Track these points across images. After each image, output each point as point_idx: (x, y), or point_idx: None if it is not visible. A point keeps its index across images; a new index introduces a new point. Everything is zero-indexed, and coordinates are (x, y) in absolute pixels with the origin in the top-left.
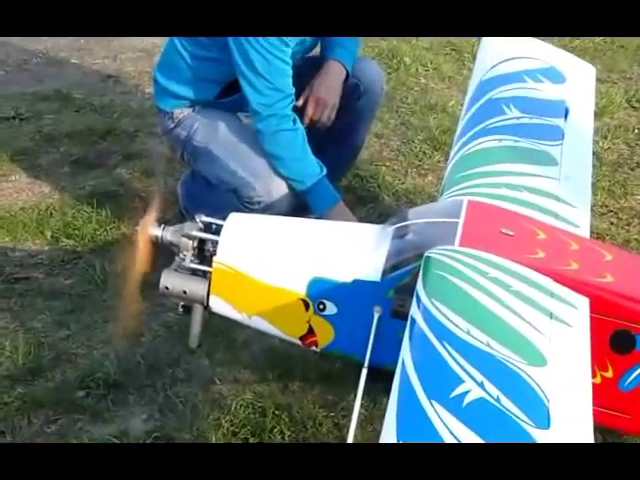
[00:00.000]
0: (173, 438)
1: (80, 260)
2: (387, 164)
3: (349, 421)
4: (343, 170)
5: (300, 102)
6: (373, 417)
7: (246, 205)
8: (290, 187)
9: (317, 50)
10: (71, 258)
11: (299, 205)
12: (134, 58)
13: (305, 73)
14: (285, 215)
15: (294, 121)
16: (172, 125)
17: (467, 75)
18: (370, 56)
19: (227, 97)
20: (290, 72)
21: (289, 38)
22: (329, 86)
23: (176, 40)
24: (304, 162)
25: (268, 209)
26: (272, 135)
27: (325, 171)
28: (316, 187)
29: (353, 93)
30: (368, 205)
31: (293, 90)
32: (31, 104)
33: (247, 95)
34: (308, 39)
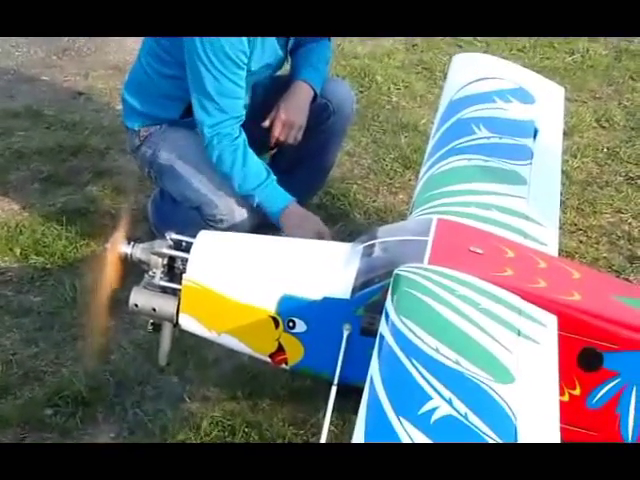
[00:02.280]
0: None
1: (50, 277)
2: (358, 182)
3: (319, 439)
4: (314, 189)
5: (267, 123)
6: (343, 434)
7: (210, 223)
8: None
9: (287, 69)
10: (40, 275)
11: (265, 223)
12: (105, 75)
13: (274, 93)
14: (250, 232)
15: (236, 138)
16: (138, 143)
17: (438, 94)
18: (342, 74)
19: (192, 115)
20: (241, 95)
21: (247, 60)
22: (296, 107)
23: (142, 58)
24: (247, 174)
25: (232, 227)
26: (215, 155)
27: (272, 176)
28: (264, 193)
29: (323, 113)
30: (339, 223)
31: (242, 113)
32: (1, 120)
33: (195, 114)
34: (274, 61)
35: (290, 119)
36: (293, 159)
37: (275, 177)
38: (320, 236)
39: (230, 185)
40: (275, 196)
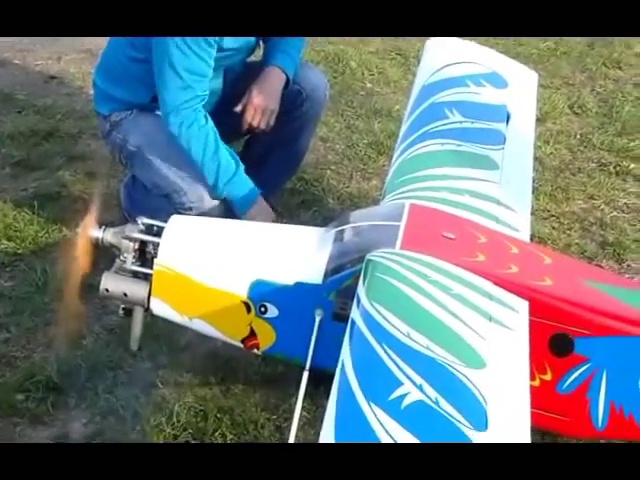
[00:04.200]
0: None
1: (21, 262)
2: (332, 168)
3: (291, 424)
4: (287, 175)
5: (239, 108)
6: (315, 420)
7: (179, 210)
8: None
9: (259, 55)
10: (12, 260)
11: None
12: (78, 59)
13: (246, 79)
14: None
15: (204, 118)
16: (109, 128)
17: (412, 80)
18: (316, 60)
19: None
20: (209, 74)
21: (219, 39)
22: (268, 92)
23: (113, 42)
24: (218, 166)
25: (202, 215)
26: (184, 142)
27: (241, 167)
28: (231, 185)
29: (296, 99)
30: (312, 208)
31: (206, 92)
32: None
33: (158, 90)
34: (245, 45)
35: (262, 104)
36: (266, 146)
37: (243, 167)
38: None
39: (199, 172)
40: (243, 193)
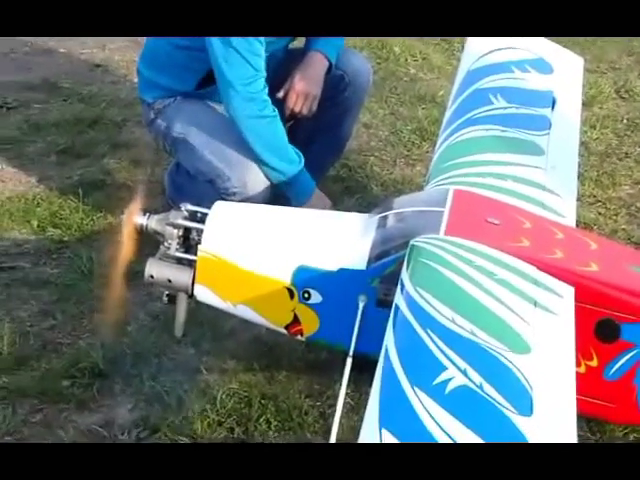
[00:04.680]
0: (159, 428)
1: (67, 250)
2: (375, 154)
3: (334, 410)
4: (330, 161)
5: (281, 94)
6: (359, 406)
7: (223, 196)
8: (266, 177)
9: (301, 42)
10: (57, 248)
11: (277, 194)
12: (122, 47)
13: (288, 65)
14: (264, 203)
15: (274, 107)
16: (153, 116)
17: (456, 65)
18: (359, 46)
19: (206, 87)
20: (263, 54)
21: None
22: (310, 77)
23: None
24: (284, 151)
25: (245, 200)
26: (252, 120)
27: (303, 160)
28: (296, 178)
29: (338, 85)
30: (356, 195)
31: (265, 73)
32: (18, 93)
33: (221, 76)
34: None
35: (305, 89)
36: (309, 132)
37: (303, 160)
38: None
39: (254, 153)
40: (305, 184)
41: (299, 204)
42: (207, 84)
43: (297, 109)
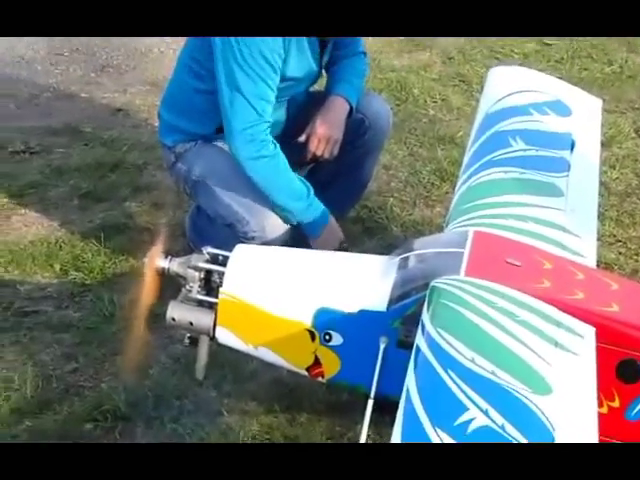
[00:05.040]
0: None
1: (89, 293)
2: (395, 195)
3: None
4: (350, 204)
5: (303, 138)
6: None
7: (242, 240)
8: (284, 220)
9: (322, 84)
10: (80, 291)
11: (297, 237)
12: (143, 91)
13: (309, 108)
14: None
15: (274, 146)
16: (174, 160)
17: (475, 106)
18: (378, 88)
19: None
20: (273, 100)
21: (282, 65)
22: (332, 122)
23: (177, 74)
24: (288, 189)
25: (264, 244)
26: (251, 162)
27: (312, 191)
28: (306, 212)
29: (359, 128)
30: (376, 236)
31: (271, 119)
32: (41, 138)
33: (225, 118)
34: (308, 74)
35: (327, 133)
36: (330, 174)
37: (313, 190)
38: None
39: (266, 197)
40: (316, 217)
41: (314, 236)
42: None
43: (319, 153)
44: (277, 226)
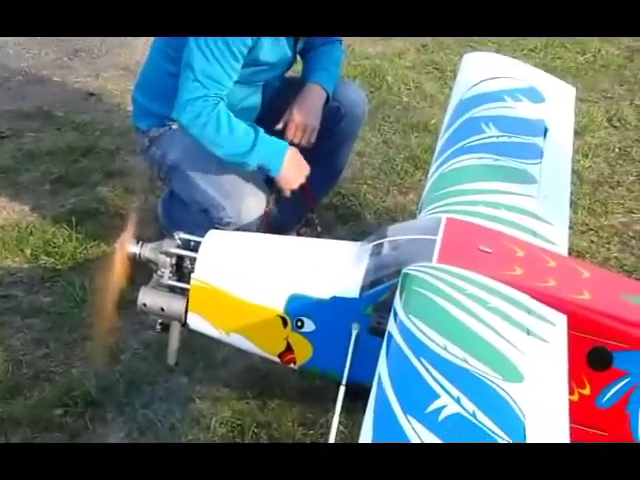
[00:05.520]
0: None
1: (60, 278)
2: (369, 182)
3: (328, 439)
4: (325, 191)
5: (280, 126)
6: (352, 435)
7: (217, 225)
8: (259, 207)
9: (298, 70)
10: (51, 276)
11: (271, 224)
12: (116, 76)
13: (286, 95)
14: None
15: (215, 105)
16: (148, 144)
17: (449, 94)
18: (353, 75)
19: None
20: (227, 84)
21: (248, 53)
22: (309, 110)
23: (152, 58)
24: (236, 138)
25: (239, 230)
26: (193, 127)
27: (260, 130)
28: (258, 150)
29: (335, 116)
30: (349, 223)
31: (222, 97)
32: (12, 122)
33: (178, 96)
34: (282, 60)
35: (304, 122)
36: (306, 161)
37: (262, 130)
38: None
39: (220, 155)
40: (272, 151)
41: (276, 173)
42: None
43: (296, 141)
44: (253, 212)
